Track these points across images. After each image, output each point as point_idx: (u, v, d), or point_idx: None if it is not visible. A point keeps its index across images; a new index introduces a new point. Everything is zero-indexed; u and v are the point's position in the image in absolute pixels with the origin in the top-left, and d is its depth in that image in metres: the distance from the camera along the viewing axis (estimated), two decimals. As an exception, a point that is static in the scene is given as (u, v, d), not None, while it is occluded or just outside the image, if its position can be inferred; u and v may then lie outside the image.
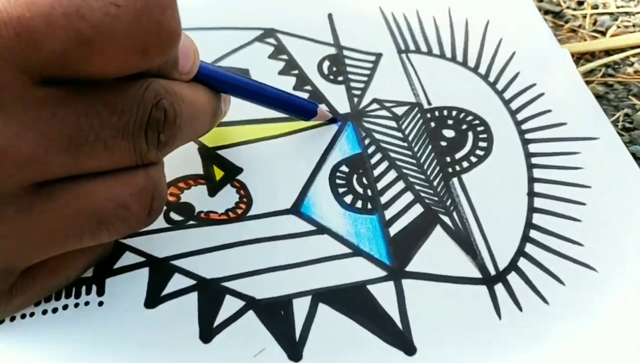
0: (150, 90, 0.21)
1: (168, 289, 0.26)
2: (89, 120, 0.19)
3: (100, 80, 0.20)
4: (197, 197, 0.29)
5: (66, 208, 0.20)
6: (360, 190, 0.30)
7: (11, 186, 0.19)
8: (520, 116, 0.33)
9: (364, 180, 0.30)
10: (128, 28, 0.18)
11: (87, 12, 0.17)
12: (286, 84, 0.34)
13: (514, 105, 0.34)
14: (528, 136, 0.32)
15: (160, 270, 0.27)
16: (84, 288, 0.26)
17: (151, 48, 0.19)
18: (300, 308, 0.26)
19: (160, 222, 0.28)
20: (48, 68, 0.18)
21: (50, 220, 0.20)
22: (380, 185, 0.30)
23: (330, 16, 0.38)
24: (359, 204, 0.29)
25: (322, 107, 0.31)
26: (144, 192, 0.22)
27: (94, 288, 0.26)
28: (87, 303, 0.26)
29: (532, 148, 0.32)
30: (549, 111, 0.33)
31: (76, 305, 0.26)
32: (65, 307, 0.26)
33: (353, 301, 0.26)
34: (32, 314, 0.25)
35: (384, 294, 0.26)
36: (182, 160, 0.29)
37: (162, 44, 0.19)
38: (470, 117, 0.33)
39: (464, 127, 0.32)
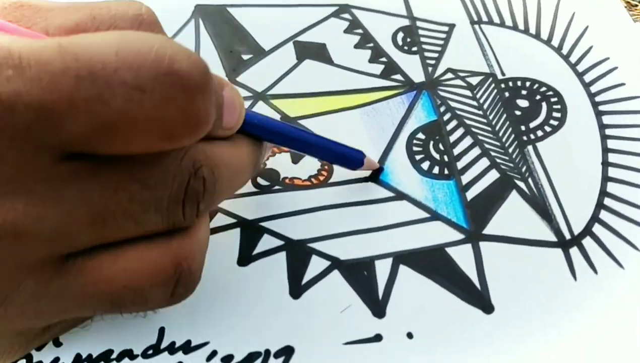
0: (187, 159, 0.19)
1: (258, 249, 0.28)
2: (117, 196, 0.18)
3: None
4: (281, 164, 0.31)
5: (83, 288, 0.19)
6: (437, 156, 0.31)
7: (33, 261, 0.18)
8: (593, 88, 0.34)
9: (441, 147, 0.31)
10: (152, 115, 0.17)
11: (109, 97, 0.16)
12: (362, 57, 0.35)
13: (587, 77, 0.34)
14: (602, 108, 0.33)
15: (251, 231, 0.29)
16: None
17: (177, 135, 0.18)
18: (382, 269, 0.27)
19: (248, 186, 0.30)
20: (70, 146, 0.17)
21: (66, 296, 0.20)
22: (456, 151, 0.31)
23: (402, -11, 0.39)
24: (435, 170, 0.30)
25: (369, 157, 0.29)
26: (165, 280, 0.20)
27: (190, 247, 0.28)
28: (184, 261, 0.28)
29: (606, 119, 0.32)
30: (623, 84, 0.34)
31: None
32: (165, 264, 0.28)
33: (432, 263, 0.27)
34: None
35: (462, 256, 0.28)
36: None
37: (189, 132, 0.18)
38: (543, 88, 0.33)
39: (538, 97, 0.33)
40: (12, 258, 0.18)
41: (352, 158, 0.29)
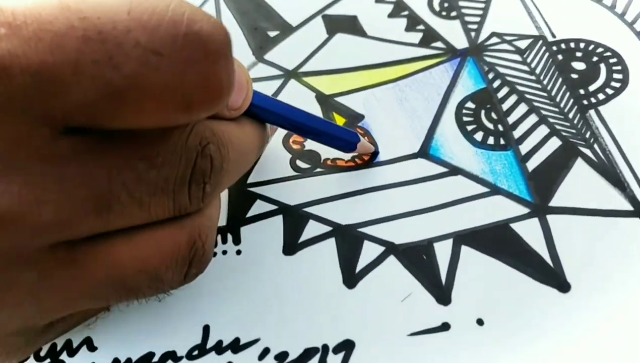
0: (194, 136, 0.18)
1: (305, 236, 0.26)
2: (122, 176, 0.16)
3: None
4: (321, 145, 0.28)
5: (91, 276, 0.18)
6: (490, 126, 0.28)
7: (32, 251, 0.16)
8: (654, 46, 0.31)
9: (493, 115, 0.29)
10: (169, 81, 0.15)
11: (121, 60, 0.14)
12: (397, 26, 0.33)
13: (647, 35, 0.32)
14: (666, 66, 0.30)
15: (294, 217, 0.26)
16: (219, 238, 0.26)
17: (196, 105, 0.16)
18: (443, 251, 0.25)
19: (287, 170, 0.28)
20: (72, 118, 0.15)
21: (73, 286, 0.18)
22: (511, 119, 0.28)
23: (434, -46, 0.36)
24: (490, 141, 0.28)
25: (364, 141, 0.27)
26: (180, 260, 0.19)
27: (230, 237, 0.26)
28: (224, 252, 0.25)
29: (673, 78, 0.30)
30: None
31: (214, 254, 0.25)
32: (204, 258, 0.25)
33: (497, 241, 0.25)
34: (172, 266, 0.25)
35: (530, 231, 0.25)
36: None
37: (209, 101, 0.16)
38: (600, 49, 0.31)
39: (595, 59, 0.30)
40: (7, 248, 0.16)
41: (348, 140, 0.26)
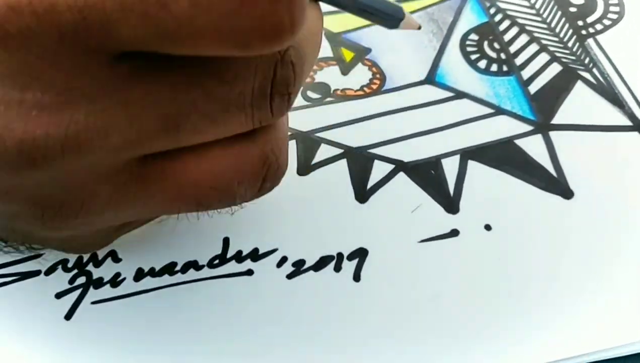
0: None
1: (317, 158, 0.27)
2: (190, 94, 0.15)
3: None
4: (330, 76, 0.29)
5: (163, 191, 0.17)
6: (493, 54, 0.29)
7: (105, 170, 0.16)
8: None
9: (496, 45, 0.30)
10: (222, 24, 0.14)
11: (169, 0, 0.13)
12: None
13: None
14: (662, -3, 0.31)
15: (306, 141, 0.27)
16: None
17: (253, 44, 0.14)
18: (450, 166, 0.26)
19: (299, 100, 0.29)
20: (127, 47, 0.14)
21: (147, 200, 0.18)
22: (512, 49, 0.29)
23: None
24: (494, 68, 0.29)
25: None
26: (253, 176, 0.18)
27: (245, 161, 0.27)
28: (240, 174, 0.26)
29: (668, 8, 0.31)
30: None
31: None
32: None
33: (502, 155, 0.26)
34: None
35: (533, 147, 0.26)
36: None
37: (269, 42, 0.14)
38: (596, -16, 0.32)
39: (592, -7, 0.32)
40: (80, 171, 0.16)
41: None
